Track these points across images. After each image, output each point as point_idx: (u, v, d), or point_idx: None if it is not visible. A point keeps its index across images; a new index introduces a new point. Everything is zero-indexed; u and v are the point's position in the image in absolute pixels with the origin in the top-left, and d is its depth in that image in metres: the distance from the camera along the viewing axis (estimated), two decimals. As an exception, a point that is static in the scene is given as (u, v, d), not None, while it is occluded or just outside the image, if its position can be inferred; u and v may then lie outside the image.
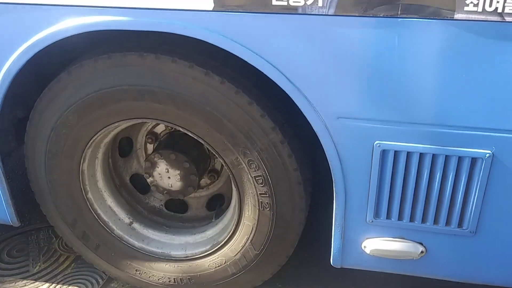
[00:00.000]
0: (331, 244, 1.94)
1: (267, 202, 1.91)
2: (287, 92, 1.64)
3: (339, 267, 1.98)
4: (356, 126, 1.65)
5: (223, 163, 1.90)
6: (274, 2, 1.49)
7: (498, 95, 1.52)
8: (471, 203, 1.71)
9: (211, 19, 1.56)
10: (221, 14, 1.54)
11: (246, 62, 1.62)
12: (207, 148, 1.98)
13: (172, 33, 1.61)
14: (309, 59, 1.57)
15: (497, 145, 1.59)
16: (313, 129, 1.70)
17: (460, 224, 1.76)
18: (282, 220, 1.95)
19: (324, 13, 1.48)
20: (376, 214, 1.81)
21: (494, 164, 1.62)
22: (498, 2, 1.37)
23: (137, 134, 2.27)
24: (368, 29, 1.49)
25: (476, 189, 1.67)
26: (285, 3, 1.49)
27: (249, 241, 2.03)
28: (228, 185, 2.27)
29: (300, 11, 1.49)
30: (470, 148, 1.61)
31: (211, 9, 1.54)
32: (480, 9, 1.39)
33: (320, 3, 1.47)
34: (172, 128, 2.14)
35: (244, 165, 1.85)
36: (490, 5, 1.38)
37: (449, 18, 1.42)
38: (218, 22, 1.56)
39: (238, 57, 1.62)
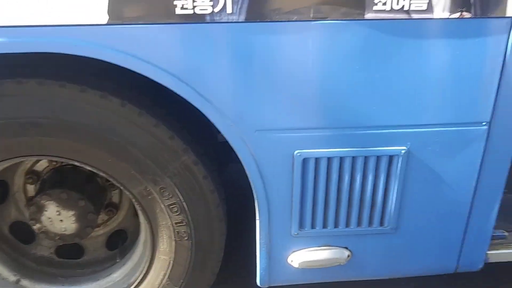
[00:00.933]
0: (255, 264, 1.83)
1: (184, 231, 1.74)
2: (199, 108, 1.50)
3: (266, 286, 1.88)
4: (275, 137, 1.57)
5: (130, 195, 1.69)
6: (178, 11, 1.34)
7: (409, 91, 1.54)
8: (391, 200, 1.72)
9: (106, 34, 1.36)
10: (117, 27, 1.35)
11: (148, 80, 1.45)
12: (103, 180, 1.75)
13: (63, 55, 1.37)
14: (221, 71, 1.45)
15: (411, 141, 1.61)
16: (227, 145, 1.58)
17: (382, 223, 1.77)
18: (201, 248, 1.79)
19: (234, 21, 1.37)
20: (301, 226, 1.75)
21: (409, 160, 1.64)
22: (404, 0, 1.38)
23: (13, 175, 1.94)
24: (281, 34, 1.41)
25: (394, 186, 1.69)
26: (190, 12, 1.35)
27: (166, 277, 1.84)
28: (129, 219, 2.04)
29: (208, 19, 1.36)
30: (386, 147, 1.62)
31: (105, 22, 1.34)
32: (388, 8, 1.39)
33: (229, 10, 1.35)
34: (57, 162, 1.86)
35: (155, 194, 1.65)
36: (397, 3, 1.38)
37: (359, 19, 1.40)
38: (115, 37, 1.37)
39: (138, 75, 1.44)
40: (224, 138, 1.58)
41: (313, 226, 1.75)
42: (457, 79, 1.53)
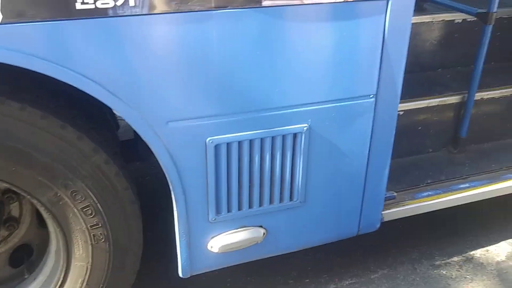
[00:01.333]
0: (176, 256, 1.84)
1: (100, 234, 1.70)
2: (108, 104, 1.47)
3: (189, 276, 1.90)
4: (187, 126, 1.59)
5: (37, 204, 1.60)
6: (79, 6, 1.31)
7: (305, 72, 1.66)
8: (298, 175, 1.84)
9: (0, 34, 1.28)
10: (12, 26, 1.28)
11: (51, 81, 1.39)
12: None
13: None
14: (128, 65, 1.44)
15: (311, 118, 1.74)
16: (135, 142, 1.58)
17: (291, 198, 1.89)
18: (120, 248, 1.76)
19: (137, 13, 1.37)
20: (218, 211, 1.80)
21: (311, 136, 1.77)
22: (296, -14, 1.49)
23: None
24: (185, 25, 1.44)
25: (300, 161, 1.81)
26: (92, 7, 1.32)
27: (84, 283, 1.77)
28: (33, 231, 1.93)
29: (110, 13, 1.34)
30: (290, 125, 1.73)
31: (-1, 21, 1.26)
32: (283, -6, 1.49)
33: (131, 3, 1.35)
34: None
35: (66, 199, 1.59)
36: (290, -10, 1.49)
37: (258, 6, 1.48)
38: (9, 37, 1.29)
39: (39, 76, 1.37)
40: (131, 136, 1.57)
41: (229, 210, 1.81)
42: (346, 58, 1.69)
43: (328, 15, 1.60)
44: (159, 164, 1.63)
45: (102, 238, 1.71)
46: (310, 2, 1.53)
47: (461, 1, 2.46)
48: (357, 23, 1.65)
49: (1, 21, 1.26)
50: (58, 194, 1.57)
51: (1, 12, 1.25)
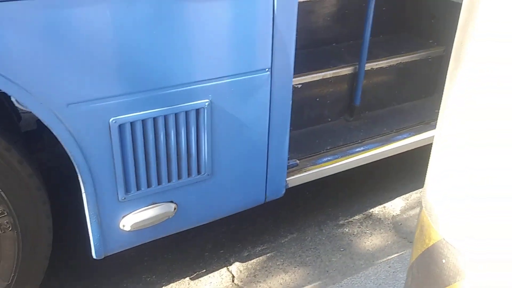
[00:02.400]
0: (88, 238, 1.87)
1: (7, 222, 1.68)
2: (5, 91, 1.46)
3: (103, 257, 1.93)
4: (88, 108, 1.61)
5: None
6: (-37, -10, 1.29)
7: (203, 49, 1.73)
8: (204, 149, 1.92)
9: None
10: None
11: None
12: None
13: None
14: (21, 49, 1.43)
15: (212, 93, 1.83)
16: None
17: (199, 171, 1.97)
18: (29, 235, 1.76)
19: (27, -4, 1.37)
20: (127, 190, 1.84)
21: (213, 110, 1.86)
22: (186, -34, 1.55)
23: None
24: (80, 7, 1.46)
25: (204, 135, 1.89)
26: (-23, -10, 1.30)
27: (-5, 274, 1.75)
28: None
29: (-2, -4, 1.33)
30: (192, 102, 1.80)
31: None
32: (173, -25, 1.54)
33: (20, -15, 1.35)
34: None
35: (-33, 190, 1.56)
36: (181, -30, 1.55)
37: (150, -14, 1.53)
38: None
39: None
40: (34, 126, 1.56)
41: (138, 188, 1.86)
42: (241, 34, 1.79)
43: (220, -6, 1.68)
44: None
45: (9, 227, 1.69)
46: (201, -18, 1.60)
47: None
48: (250, 1, 1.74)
49: None
50: (-43, 184, 1.54)
51: None
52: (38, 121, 2.23)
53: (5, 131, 1.66)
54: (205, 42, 1.73)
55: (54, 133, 1.60)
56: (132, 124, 1.72)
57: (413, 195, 2.92)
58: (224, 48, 1.78)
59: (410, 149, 2.71)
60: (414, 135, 2.74)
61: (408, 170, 3.08)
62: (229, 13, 1.72)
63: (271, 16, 1.81)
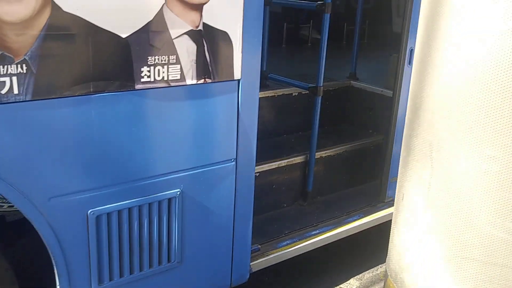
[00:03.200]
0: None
1: (-21, 319, 1.67)
2: (-8, 187, 1.53)
3: None
4: (69, 201, 1.70)
5: None
6: (-37, 95, 1.40)
7: (175, 144, 1.90)
8: (174, 237, 2.02)
9: None
10: None
11: None
12: None
13: None
14: (11, 147, 1.53)
15: (183, 183, 1.97)
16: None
17: (169, 259, 2.05)
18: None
19: (21, 100, 1.50)
20: (100, 280, 1.88)
21: (184, 199, 1.99)
22: (163, 72, 1.75)
23: None
24: (66, 108, 1.60)
25: (175, 224, 2.00)
26: (-24, 95, 1.42)
27: None
28: None
29: (-5, 100, 1.46)
30: (165, 192, 1.93)
31: None
32: (152, 79, 1.74)
33: (15, 91, 1.48)
34: None
35: None
36: (159, 75, 1.74)
37: (131, 89, 1.70)
38: None
39: None
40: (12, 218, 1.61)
41: (111, 278, 1.91)
42: (209, 129, 1.97)
43: (190, 94, 1.87)
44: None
45: (-20, 324, 1.68)
46: (175, 85, 1.79)
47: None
48: (217, 99, 1.95)
49: None
50: None
51: None
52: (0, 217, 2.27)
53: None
54: (177, 136, 1.89)
55: (35, 226, 1.66)
56: (108, 215, 1.81)
57: (366, 275, 3.08)
58: (194, 142, 1.95)
59: (360, 230, 2.91)
60: (363, 217, 2.95)
61: (359, 251, 3.26)
62: (199, 110, 1.91)
63: (236, 112, 2.02)
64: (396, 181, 1.65)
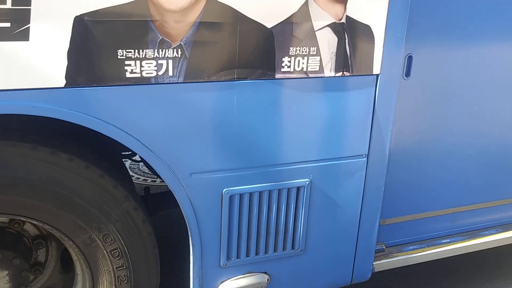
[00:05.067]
0: (187, 299, 2.02)
1: (124, 275, 1.88)
2: (143, 157, 1.72)
3: (199, 318, 2.06)
4: (207, 178, 1.84)
5: (71, 246, 1.80)
6: (128, 75, 1.59)
7: (309, 134, 1.94)
8: (300, 225, 2.07)
9: (63, 96, 1.54)
10: (73, 90, 1.55)
11: (93, 137, 1.64)
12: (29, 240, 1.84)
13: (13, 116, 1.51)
14: (162, 124, 1.70)
15: (313, 173, 2.00)
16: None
17: (293, 246, 2.10)
18: (139, 289, 1.94)
19: (174, 82, 1.65)
20: (228, 257, 2.00)
21: (312, 189, 2.03)
22: (303, 63, 1.80)
23: None
24: (212, 92, 1.73)
25: (302, 212, 2.05)
26: (138, 75, 1.60)
27: (105, 323, 1.93)
28: (56, 276, 2.09)
29: (153, 81, 1.63)
30: (294, 180, 1.99)
31: (62, 86, 1.53)
32: (292, 69, 1.80)
33: (170, 73, 1.64)
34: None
35: (99, 241, 1.79)
36: (298, 66, 1.80)
37: (271, 78, 1.78)
38: (71, 99, 1.55)
39: (85, 133, 1.63)
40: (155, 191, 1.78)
41: (238, 256, 2.02)
42: (343, 122, 1.98)
43: (328, 86, 1.90)
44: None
45: (125, 279, 1.89)
46: (314, 76, 1.84)
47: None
48: (353, 94, 1.95)
49: (65, 85, 1.53)
50: (92, 237, 1.77)
51: (66, 78, 1.52)
52: (146, 189, 2.51)
53: (134, 192, 1.90)
54: (311, 127, 1.94)
55: (176, 197, 1.82)
56: (241, 195, 1.91)
57: (498, 295, 2.85)
58: (328, 133, 1.98)
59: (496, 246, 2.70)
60: (501, 232, 2.73)
61: (492, 268, 3.02)
62: (335, 103, 1.93)
63: (372, 108, 2.00)
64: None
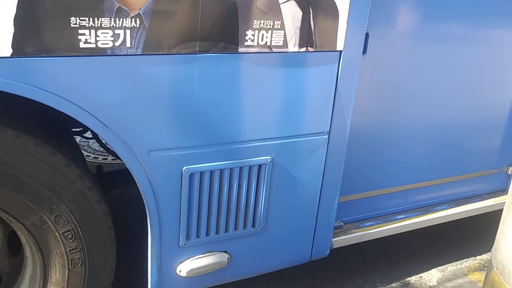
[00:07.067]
0: (145, 281, 1.95)
1: (78, 258, 1.79)
2: (99, 134, 1.62)
3: (157, 300, 2.01)
4: (166, 156, 1.76)
5: (20, 228, 1.68)
6: (82, 45, 1.48)
7: (270, 111, 1.89)
8: (261, 203, 2.04)
9: (9, 66, 1.41)
10: (21, 60, 1.42)
11: (42, 112, 1.53)
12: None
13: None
14: (119, 98, 1.60)
15: (274, 151, 1.97)
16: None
17: (254, 224, 2.07)
18: (94, 272, 1.85)
19: (132, 53, 1.55)
20: (188, 236, 1.94)
21: (274, 167, 1.99)
22: (267, 37, 1.74)
23: None
24: (171, 65, 1.64)
25: (263, 190, 2.01)
26: (93, 46, 1.49)
27: (58, 308, 1.84)
28: (3, 260, 1.97)
29: (109, 52, 1.52)
30: (256, 157, 1.94)
31: (8, 55, 1.40)
32: (255, 43, 1.73)
33: (128, 44, 1.54)
34: None
35: (50, 223, 1.69)
36: (262, 39, 1.74)
37: (234, 52, 1.71)
38: (18, 69, 1.43)
39: (33, 108, 1.51)
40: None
41: (197, 235, 1.97)
42: (305, 98, 1.94)
43: (291, 62, 1.85)
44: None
45: (79, 262, 1.80)
46: (277, 51, 1.78)
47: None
48: (316, 69, 1.91)
49: (11, 55, 1.40)
50: (43, 218, 1.67)
51: (12, 47, 1.39)
52: (98, 167, 2.40)
53: (88, 170, 1.80)
54: (273, 103, 1.89)
55: (133, 175, 1.73)
56: (201, 174, 1.85)
57: (449, 268, 2.95)
58: (290, 110, 1.94)
59: (449, 220, 2.79)
60: (452, 207, 2.82)
61: (443, 242, 3.13)
62: (297, 80, 1.89)
63: (334, 85, 1.97)
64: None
